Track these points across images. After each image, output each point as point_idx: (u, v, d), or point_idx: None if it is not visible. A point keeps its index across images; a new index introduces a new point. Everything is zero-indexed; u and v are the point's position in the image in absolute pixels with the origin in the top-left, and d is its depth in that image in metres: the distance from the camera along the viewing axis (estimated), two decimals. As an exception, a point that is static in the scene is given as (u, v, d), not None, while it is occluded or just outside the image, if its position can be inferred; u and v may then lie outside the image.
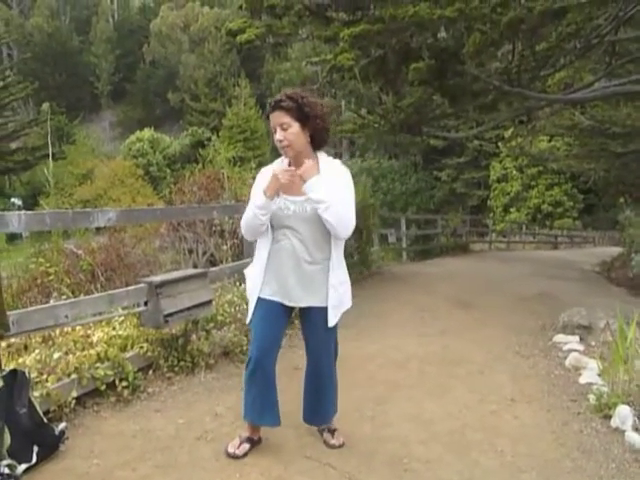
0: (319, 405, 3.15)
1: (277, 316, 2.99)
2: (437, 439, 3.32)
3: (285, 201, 2.88)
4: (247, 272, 3.14)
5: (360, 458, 3.02)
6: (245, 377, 3.02)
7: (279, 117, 2.79)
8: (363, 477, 2.83)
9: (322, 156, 2.96)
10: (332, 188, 2.79)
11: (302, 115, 2.78)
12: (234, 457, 3.00)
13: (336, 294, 2.93)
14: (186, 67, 46.17)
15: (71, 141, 40.24)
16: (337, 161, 3.01)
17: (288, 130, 2.79)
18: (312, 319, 2.99)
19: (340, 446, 3.11)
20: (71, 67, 50.63)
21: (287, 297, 2.94)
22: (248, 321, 3.08)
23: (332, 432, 3.18)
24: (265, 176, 2.94)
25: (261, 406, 3.01)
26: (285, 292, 2.93)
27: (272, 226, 2.93)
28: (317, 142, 2.92)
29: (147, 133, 38.12)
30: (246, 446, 3.07)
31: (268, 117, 2.87)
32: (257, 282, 3.00)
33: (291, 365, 4.35)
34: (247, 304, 4.72)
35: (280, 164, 2.98)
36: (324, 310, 2.93)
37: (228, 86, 41.83)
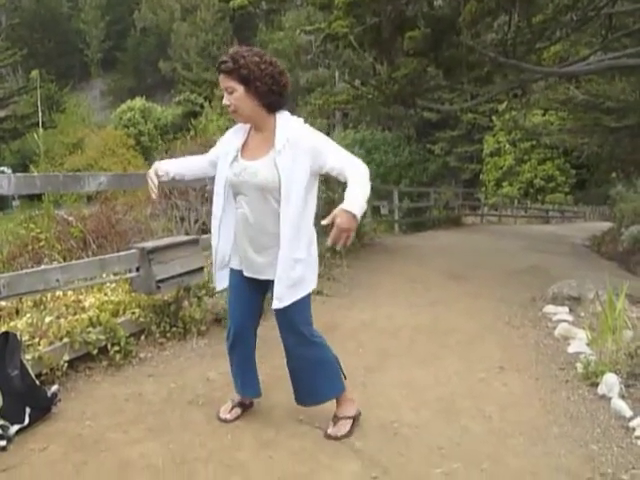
0: (297, 385, 2.94)
1: (248, 287, 2.85)
2: (427, 405, 3.36)
3: (239, 165, 2.70)
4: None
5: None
6: (227, 349, 3.01)
7: (223, 80, 2.60)
8: (354, 441, 2.86)
9: (281, 120, 2.68)
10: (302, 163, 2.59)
11: (244, 79, 2.56)
12: (225, 422, 3.02)
13: (286, 272, 2.65)
14: (178, 35, 45.44)
15: (61, 110, 39.78)
16: (295, 123, 2.69)
17: (233, 94, 2.59)
18: (273, 294, 2.74)
19: (337, 438, 2.87)
20: (60, 34, 49.78)
21: (249, 268, 2.79)
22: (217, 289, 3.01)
23: (335, 420, 2.96)
24: (226, 138, 2.85)
25: (242, 379, 3.02)
26: (247, 263, 2.79)
27: (232, 191, 2.78)
28: (267, 106, 2.64)
29: (138, 102, 37.70)
30: (237, 410, 3.09)
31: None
32: (226, 251, 2.86)
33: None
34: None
35: (243, 127, 2.79)
36: None
37: (221, 55, 41.26)
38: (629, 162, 19.82)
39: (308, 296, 2.79)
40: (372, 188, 2.72)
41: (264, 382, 3.51)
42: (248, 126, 2.77)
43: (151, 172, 2.92)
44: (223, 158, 2.79)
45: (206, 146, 6.60)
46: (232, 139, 2.81)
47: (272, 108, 2.66)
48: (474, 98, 13.79)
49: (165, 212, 6.06)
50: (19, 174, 3.38)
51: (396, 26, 9.44)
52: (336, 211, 2.44)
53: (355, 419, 2.98)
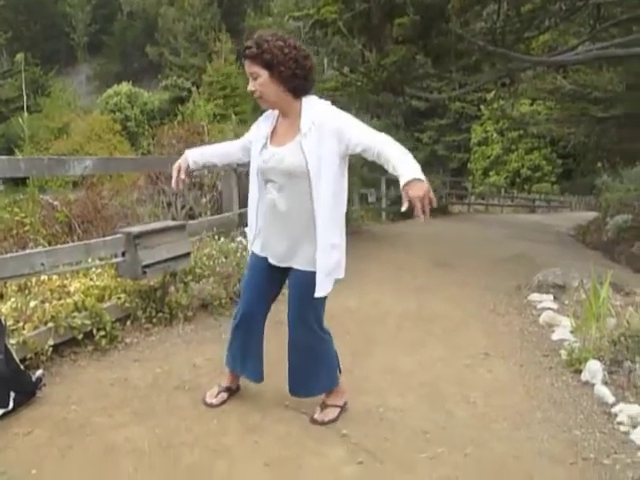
0: (295, 376, 2.92)
1: (265, 272, 2.84)
2: (412, 391, 3.38)
3: (268, 152, 2.68)
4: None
5: (337, 408, 3.06)
6: (231, 328, 3.01)
7: (248, 66, 2.57)
8: (340, 426, 2.87)
9: (307, 104, 2.63)
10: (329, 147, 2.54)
11: (267, 63, 2.52)
12: (211, 406, 3.02)
13: (325, 259, 2.63)
14: (165, 20, 44.98)
15: (46, 94, 39.32)
16: (320, 106, 2.64)
17: (257, 80, 2.56)
18: (292, 282, 2.77)
19: (323, 423, 2.88)
20: (46, 17, 49.10)
21: (273, 255, 2.79)
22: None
23: (323, 406, 2.96)
24: (256, 125, 2.83)
25: (243, 356, 3.00)
26: (271, 249, 2.79)
27: (262, 179, 2.76)
28: (292, 91, 2.60)
29: (125, 87, 37.34)
30: (224, 395, 3.09)
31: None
32: (251, 232, 2.88)
33: (276, 318, 4.37)
34: (226, 258, 4.75)
35: (272, 114, 2.77)
36: (305, 275, 2.68)
37: (208, 41, 40.88)
38: (615, 152, 19.94)
39: (322, 299, 2.76)
40: (359, 176, 2.70)
41: (250, 367, 3.53)
42: (277, 112, 2.74)
43: (179, 163, 2.94)
44: (254, 145, 2.78)
45: (193, 132, 6.58)
46: (262, 126, 2.79)
47: (297, 93, 2.62)
48: (462, 87, 13.79)
49: (152, 197, 6.02)
50: (3, 157, 3.33)
51: (385, 12, 9.40)
52: (404, 187, 2.31)
53: (342, 408, 3.00)
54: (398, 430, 2.89)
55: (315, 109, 2.62)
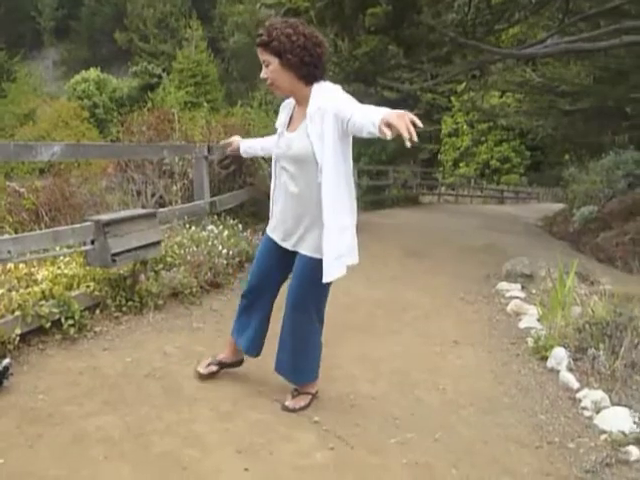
0: (281, 355, 2.95)
1: (273, 252, 2.91)
2: (383, 378, 3.42)
3: (283, 139, 2.77)
4: None
5: (308, 395, 3.08)
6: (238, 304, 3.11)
7: (260, 54, 2.62)
8: (311, 413, 2.89)
9: (315, 90, 2.64)
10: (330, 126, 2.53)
11: (278, 51, 2.56)
12: (200, 377, 3.11)
13: (332, 242, 2.63)
14: (134, 5, 44.21)
15: (11, 79, 38.39)
16: (327, 91, 2.62)
17: (269, 67, 2.62)
18: (296, 267, 2.79)
19: (294, 410, 2.89)
20: (11, 0, 47.82)
21: (282, 237, 2.85)
22: None
23: (295, 394, 2.98)
24: (278, 117, 2.91)
25: (242, 327, 3.06)
26: (281, 231, 2.85)
27: (278, 165, 2.85)
28: (304, 78, 2.63)
29: (93, 73, 36.65)
30: (213, 368, 3.14)
31: None
32: (271, 218, 2.97)
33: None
34: (197, 246, 4.73)
35: (290, 102, 2.83)
36: (310, 261, 2.71)
37: (179, 27, 40.38)
38: (582, 145, 20.29)
39: (315, 288, 2.77)
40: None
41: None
42: (293, 101, 2.79)
43: (232, 140, 3.37)
44: (277, 134, 2.87)
45: (164, 119, 6.50)
46: (281, 116, 2.86)
47: (308, 80, 2.64)
48: (434, 78, 13.88)
49: (121, 185, 5.94)
50: (-32, 142, 3.26)
51: (358, 2, 9.39)
52: (382, 120, 2.18)
53: (314, 395, 3.02)
54: (369, 416, 2.92)
55: (321, 94, 2.62)
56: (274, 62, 2.59)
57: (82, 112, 33.25)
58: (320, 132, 2.55)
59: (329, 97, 2.58)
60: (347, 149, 2.67)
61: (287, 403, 2.94)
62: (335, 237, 2.64)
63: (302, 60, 2.58)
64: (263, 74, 2.66)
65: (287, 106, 2.86)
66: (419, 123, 2.15)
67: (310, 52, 2.59)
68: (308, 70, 2.61)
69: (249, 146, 3.32)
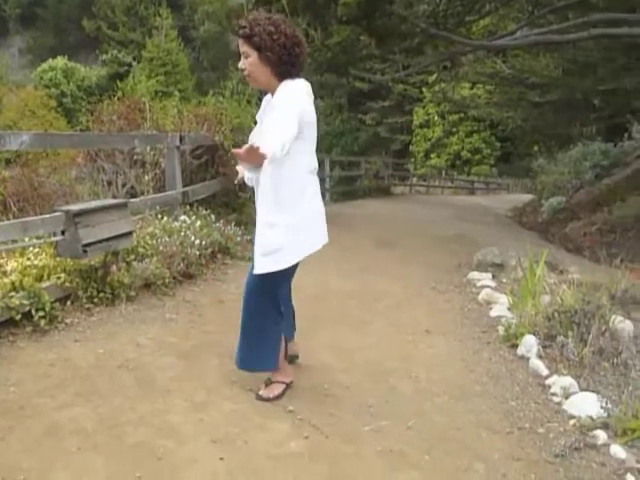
0: (238, 346, 2.95)
1: None
2: (356, 367, 3.45)
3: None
4: None
5: (283, 384, 3.09)
6: None
7: (240, 45, 2.69)
8: (286, 402, 2.90)
9: (280, 87, 2.70)
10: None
11: (256, 45, 2.63)
12: None
13: (259, 236, 2.73)
14: (103, -8, 43.38)
15: (-25, 67, 37.47)
16: (285, 87, 2.69)
17: (248, 59, 2.68)
18: None
19: (268, 399, 2.91)
20: (-26, -13, 46.60)
21: None
22: None
23: (268, 383, 2.99)
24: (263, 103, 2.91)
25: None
26: None
27: None
28: (279, 74, 2.70)
29: (60, 62, 35.88)
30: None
31: None
32: None
33: (217, 299, 4.37)
34: (169, 237, 4.70)
35: (268, 97, 2.84)
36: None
37: (148, 15, 39.68)
38: (551, 136, 20.57)
39: (259, 279, 2.76)
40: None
41: (196, 346, 3.53)
42: (268, 96, 2.84)
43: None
44: None
45: (135, 108, 6.42)
46: (261, 108, 2.92)
47: (283, 76, 2.71)
48: (405, 69, 13.93)
49: (91, 175, 5.85)
50: None
51: (330, -8, 9.38)
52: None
53: (288, 385, 3.02)
54: (343, 405, 2.94)
55: (279, 93, 2.68)
56: (253, 55, 2.66)
57: (49, 101, 32.53)
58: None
59: (278, 100, 2.65)
60: (296, 147, 2.62)
61: (261, 392, 2.95)
62: (261, 232, 2.74)
63: (280, 58, 2.65)
64: (241, 65, 2.71)
65: (265, 101, 2.91)
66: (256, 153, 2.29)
67: (289, 51, 2.66)
68: (285, 68, 2.69)
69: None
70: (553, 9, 11.13)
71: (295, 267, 2.89)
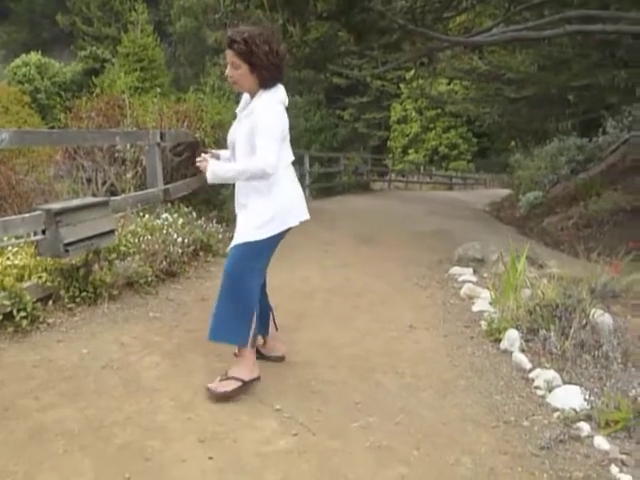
0: (212, 315, 2.96)
1: None
2: (342, 363, 3.45)
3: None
4: None
5: (270, 382, 3.08)
6: None
7: (231, 56, 2.84)
8: (274, 400, 2.90)
9: (259, 95, 2.91)
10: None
11: (251, 62, 2.82)
12: None
13: (242, 216, 3.01)
14: (76, -13, 42.76)
15: (-54, 62, 36.73)
16: (263, 101, 2.90)
17: (237, 70, 2.86)
18: None
19: (215, 393, 2.86)
20: (-56, -21, 45.61)
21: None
22: None
23: (223, 377, 2.94)
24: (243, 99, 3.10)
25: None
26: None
27: None
28: (262, 84, 2.90)
29: (34, 57, 35.27)
30: None
31: (225, 48, 2.90)
32: None
33: (200, 296, 4.34)
34: (151, 235, 4.67)
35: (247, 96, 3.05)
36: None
37: (124, 10, 39.15)
38: (527, 131, 20.75)
39: (244, 247, 2.89)
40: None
41: (180, 345, 3.51)
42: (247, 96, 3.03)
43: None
44: None
45: (114, 104, 6.35)
46: (241, 103, 3.09)
47: (264, 85, 2.90)
48: (383, 65, 13.95)
49: (70, 173, 5.77)
50: None
51: (309, -13, 9.35)
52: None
53: (245, 384, 2.92)
54: (330, 402, 2.95)
55: (259, 102, 2.89)
56: (244, 67, 2.84)
57: (23, 97, 32.03)
58: (242, 131, 2.92)
59: (260, 114, 2.84)
60: None
61: (210, 385, 2.90)
62: (237, 212, 3.10)
63: (270, 74, 2.87)
64: (229, 72, 2.89)
65: (246, 97, 3.06)
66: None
67: (278, 68, 2.90)
68: (271, 80, 2.90)
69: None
70: (529, 6, 11.22)
71: (274, 250, 3.04)
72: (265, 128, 2.81)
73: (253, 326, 2.95)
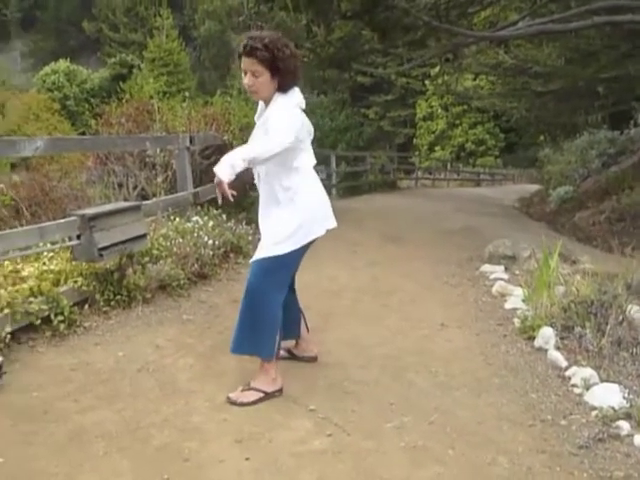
0: (235, 328, 2.98)
1: None
2: (374, 363, 3.45)
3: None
4: None
5: (302, 383, 3.10)
6: None
7: (252, 64, 2.75)
8: (308, 400, 2.91)
9: (274, 100, 2.85)
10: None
11: (274, 68, 2.74)
12: None
13: (267, 227, 2.96)
14: (102, -6, 43.36)
15: (-22, 72, 37.56)
16: (277, 104, 2.85)
17: (258, 78, 2.77)
18: None
19: (234, 403, 2.85)
20: (-26, -8, 46.63)
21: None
22: None
23: (245, 388, 2.93)
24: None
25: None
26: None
27: None
28: (280, 89, 2.84)
29: (62, 65, 35.92)
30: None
31: (240, 55, 2.79)
32: None
33: (231, 298, 4.37)
34: (182, 238, 4.73)
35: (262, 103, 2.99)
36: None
37: (149, 16, 39.64)
38: (556, 125, 20.50)
39: (266, 262, 2.84)
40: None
41: (213, 346, 3.55)
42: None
43: None
44: None
45: (143, 110, 6.43)
46: (258, 110, 3.05)
47: (283, 90, 2.84)
48: (408, 62, 13.89)
49: (101, 178, 5.87)
50: (-51, 139, 3.20)
51: (332, -13, 9.37)
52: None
53: (267, 395, 2.91)
54: (363, 402, 2.95)
55: (275, 107, 2.83)
56: (265, 75, 2.76)
57: (53, 105, 32.62)
58: (259, 136, 2.87)
59: (273, 114, 2.80)
60: (285, 155, 2.79)
61: (230, 394, 2.90)
62: (261, 225, 3.07)
63: (291, 79, 2.83)
64: (249, 81, 2.80)
65: (260, 107, 3.02)
66: (228, 196, 2.62)
67: (297, 73, 2.86)
68: (289, 85, 2.85)
69: None
70: (555, -1, 11.10)
71: (298, 261, 3.00)
72: (276, 119, 2.76)
73: (276, 339, 2.94)
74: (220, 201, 2.72)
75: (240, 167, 2.59)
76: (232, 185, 2.62)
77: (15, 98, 32.01)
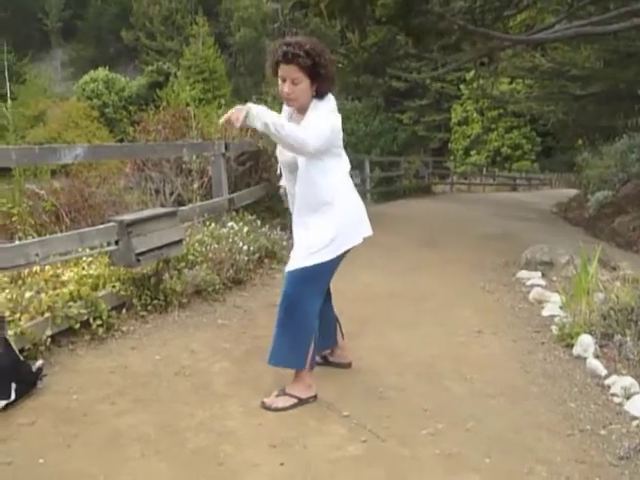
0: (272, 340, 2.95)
1: None
2: (409, 369, 3.43)
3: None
4: None
5: (338, 388, 3.10)
6: None
7: (292, 71, 2.69)
8: (342, 406, 2.91)
9: (312, 106, 2.80)
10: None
11: (315, 75, 2.70)
12: None
13: (296, 239, 2.94)
14: (140, 3, 44.16)
15: (21, 81, 38.55)
16: (319, 113, 2.79)
17: (298, 85, 2.72)
18: None
19: (269, 408, 2.86)
20: (18, 2, 47.86)
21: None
22: None
23: (280, 393, 2.94)
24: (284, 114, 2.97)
25: None
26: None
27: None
28: (318, 95, 2.80)
29: (101, 73, 36.74)
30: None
31: (277, 63, 2.72)
32: None
33: (266, 303, 4.40)
34: (218, 243, 4.78)
35: (287, 110, 2.93)
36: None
37: (185, 24, 40.34)
38: (594, 129, 20.11)
39: (301, 272, 2.82)
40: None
41: (248, 351, 3.57)
42: (291, 109, 2.91)
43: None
44: None
45: (179, 117, 6.53)
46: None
47: (320, 96, 2.81)
48: (442, 66, 13.81)
49: (139, 184, 5.98)
50: (-7, 147, 3.30)
51: (367, -7, 9.38)
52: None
53: (301, 402, 2.91)
54: (398, 408, 2.94)
55: (313, 116, 2.76)
56: (305, 82, 2.72)
57: (92, 112, 33.36)
58: None
59: (311, 115, 2.76)
60: (326, 156, 2.78)
61: (265, 399, 2.90)
62: (295, 232, 2.99)
63: (329, 85, 2.80)
64: (288, 89, 2.74)
65: (285, 113, 2.95)
66: (237, 123, 2.56)
67: (335, 79, 2.83)
68: (327, 91, 2.82)
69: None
70: (593, 0, 10.91)
71: (335, 270, 2.95)
72: (316, 120, 2.72)
73: (311, 350, 2.93)
74: (222, 121, 2.68)
75: (262, 126, 2.53)
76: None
77: (56, 106, 32.87)
